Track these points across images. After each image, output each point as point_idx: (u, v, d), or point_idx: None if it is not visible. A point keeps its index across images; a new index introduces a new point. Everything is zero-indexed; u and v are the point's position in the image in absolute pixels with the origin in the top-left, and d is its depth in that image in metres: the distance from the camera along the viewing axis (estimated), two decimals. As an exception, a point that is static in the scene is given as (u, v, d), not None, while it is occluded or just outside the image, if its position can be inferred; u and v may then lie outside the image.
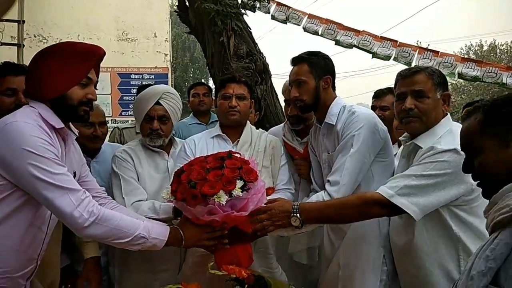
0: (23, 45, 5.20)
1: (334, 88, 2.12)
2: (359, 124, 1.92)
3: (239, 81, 2.23)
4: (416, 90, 1.74)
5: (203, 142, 2.21)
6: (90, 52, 1.59)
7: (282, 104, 3.15)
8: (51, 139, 1.49)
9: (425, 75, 1.75)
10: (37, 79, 1.55)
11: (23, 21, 5.29)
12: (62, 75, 1.53)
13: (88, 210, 1.47)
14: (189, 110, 4.16)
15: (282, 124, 2.55)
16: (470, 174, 1.20)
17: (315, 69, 2.05)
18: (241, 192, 1.60)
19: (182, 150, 2.19)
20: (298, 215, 1.71)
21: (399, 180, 1.69)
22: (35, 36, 7.45)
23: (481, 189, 1.18)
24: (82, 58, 1.56)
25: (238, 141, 2.21)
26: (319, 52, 2.12)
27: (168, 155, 2.24)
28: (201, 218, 1.65)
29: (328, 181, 1.94)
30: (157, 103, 2.14)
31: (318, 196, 1.93)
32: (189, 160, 1.83)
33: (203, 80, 20.64)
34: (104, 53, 1.63)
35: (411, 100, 1.74)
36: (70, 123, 1.69)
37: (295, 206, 1.75)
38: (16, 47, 5.16)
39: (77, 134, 1.74)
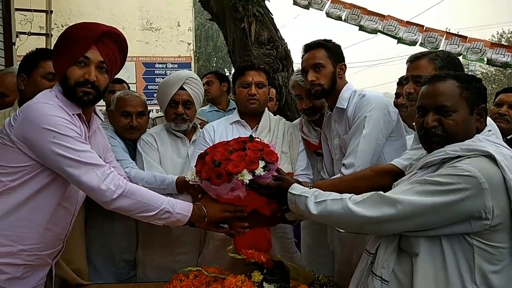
0: (51, 35, 5.35)
1: None
2: (370, 106, 1.92)
3: (258, 68, 2.24)
4: (414, 76, 1.76)
5: (222, 128, 2.23)
6: (81, 30, 1.58)
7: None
8: (72, 119, 1.53)
9: (427, 60, 1.76)
10: (54, 63, 1.63)
11: (51, 11, 5.43)
12: (62, 56, 1.57)
13: (115, 183, 1.51)
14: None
15: (298, 119, 2.53)
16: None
17: (332, 54, 2.05)
18: (263, 171, 1.63)
19: (201, 137, 2.23)
20: None
21: (413, 152, 1.68)
22: (62, 26, 7.63)
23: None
24: (75, 37, 1.56)
25: (257, 127, 2.22)
26: (331, 40, 2.11)
27: (190, 141, 2.29)
28: (225, 197, 1.69)
29: (343, 164, 1.94)
30: (181, 88, 2.17)
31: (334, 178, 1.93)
32: (208, 146, 1.86)
33: (225, 70, 20.69)
34: (104, 30, 1.57)
35: (411, 85, 1.78)
36: (95, 107, 1.73)
37: (309, 185, 1.76)
38: (44, 37, 5.30)
39: (102, 119, 1.78)
